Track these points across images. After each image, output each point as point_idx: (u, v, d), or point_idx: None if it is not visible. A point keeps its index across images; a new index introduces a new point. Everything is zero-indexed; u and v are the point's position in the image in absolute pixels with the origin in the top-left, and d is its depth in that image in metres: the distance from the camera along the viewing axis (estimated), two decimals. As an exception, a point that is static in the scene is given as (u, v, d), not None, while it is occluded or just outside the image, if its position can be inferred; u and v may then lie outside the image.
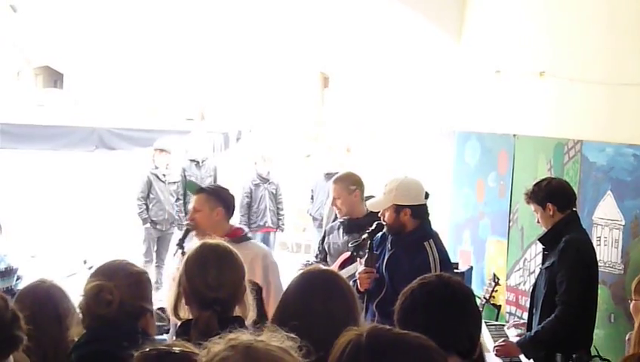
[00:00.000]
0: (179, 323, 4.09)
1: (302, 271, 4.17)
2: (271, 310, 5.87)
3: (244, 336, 2.45)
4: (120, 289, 3.86)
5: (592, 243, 6.80)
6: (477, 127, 9.57)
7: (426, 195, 6.42)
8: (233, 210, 6.41)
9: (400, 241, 6.39)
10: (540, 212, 6.59)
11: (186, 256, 4.17)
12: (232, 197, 6.45)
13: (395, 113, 12.18)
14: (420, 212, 6.38)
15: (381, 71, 12.67)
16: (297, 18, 17.39)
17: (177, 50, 22.96)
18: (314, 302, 3.77)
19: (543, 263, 6.71)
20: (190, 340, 3.13)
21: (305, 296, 3.84)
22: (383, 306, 6.16)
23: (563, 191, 6.64)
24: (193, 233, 6.42)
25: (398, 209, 6.32)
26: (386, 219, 6.40)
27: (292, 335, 2.56)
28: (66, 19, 24.32)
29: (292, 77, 19.00)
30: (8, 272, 7.87)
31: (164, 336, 7.33)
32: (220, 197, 6.25)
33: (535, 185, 6.75)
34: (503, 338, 6.87)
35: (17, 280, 7.84)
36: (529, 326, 6.80)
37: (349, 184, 7.46)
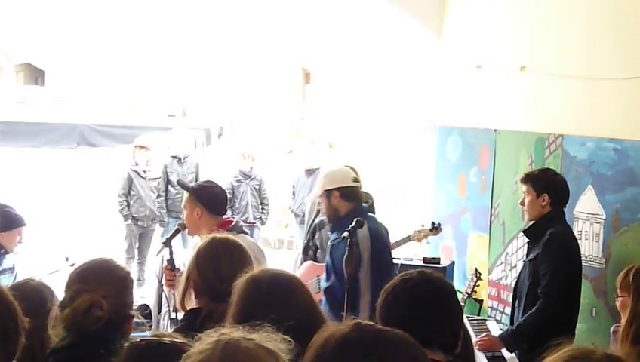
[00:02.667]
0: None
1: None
2: None
3: (236, 333, 2.43)
4: (109, 301, 3.77)
5: (575, 237, 6.82)
6: (458, 122, 9.59)
7: (356, 180, 6.79)
8: (219, 206, 6.25)
9: (337, 226, 6.63)
10: (532, 197, 6.56)
11: (196, 250, 4.20)
12: (217, 194, 6.31)
13: (377, 108, 12.18)
14: (350, 194, 6.70)
15: (363, 66, 12.67)
16: (279, 14, 17.38)
17: (159, 47, 22.92)
18: (258, 307, 3.42)
19: (527, 256, 6.72)
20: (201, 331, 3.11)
21: (250, 299, 3.56)
22: (330, 293, 6.58)
23: (564, 188, 6.64)
24: (182, 232, 6.46)
25: (328, 194, 6.70)
26: (323, 209, 6.80)
27: (287, 338, 2.53)
28: (47, 16, 24.24)
29: (274, 73, 19.02)
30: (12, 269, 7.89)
31: (147, 333, 7.32)
32: (199, 197, 6.18)
33: (541, 170, 6.84)
34: (485, 333, 6.88)
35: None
36: (512, 319, 6.81)
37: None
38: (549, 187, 6.54)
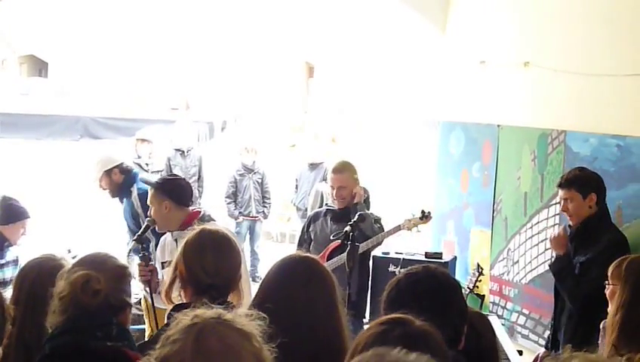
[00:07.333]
0: (169, 307, 4.13)
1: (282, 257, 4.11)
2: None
3: (209, 312, 2.48)
4: (107, 282, 3.78)
5: (627, 239, 6.41)
6: (461, 117, 9.59)
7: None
8: (186, 197, 6.40)
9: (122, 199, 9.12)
10: (578, 200, 6.22)
11: (184, 241, 4.21)
12: (183, 186, 6.45)
13: (380, 103, 12.19)
14: (124, 169, 9.05)
15: (366, 61, 12.67)
16: (282, 7, 17.38)
17: (162, 40, 22.92)
18: (295, 288, 3.76)
19: (573, 256, 6.30)
20: None
21: (285, 281, 3.82)
22: None
23: (603, 182, 6.34)
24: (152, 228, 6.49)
25: (109, 173, 8.99)
26: (106, 186, 9.14)
27: (262, 314, 2.60)
28: (51, 8, 24.26)
29: (277, 67, 19.00)
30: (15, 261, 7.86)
31: (144, 326, 7.34)
32: (166, 191, 6.29)
33: (579, 170, 6.43)
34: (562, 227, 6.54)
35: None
36: (555, 318, 6.50)
37: (354, 173, 7.47)
38: (594, 185, 6.24)
